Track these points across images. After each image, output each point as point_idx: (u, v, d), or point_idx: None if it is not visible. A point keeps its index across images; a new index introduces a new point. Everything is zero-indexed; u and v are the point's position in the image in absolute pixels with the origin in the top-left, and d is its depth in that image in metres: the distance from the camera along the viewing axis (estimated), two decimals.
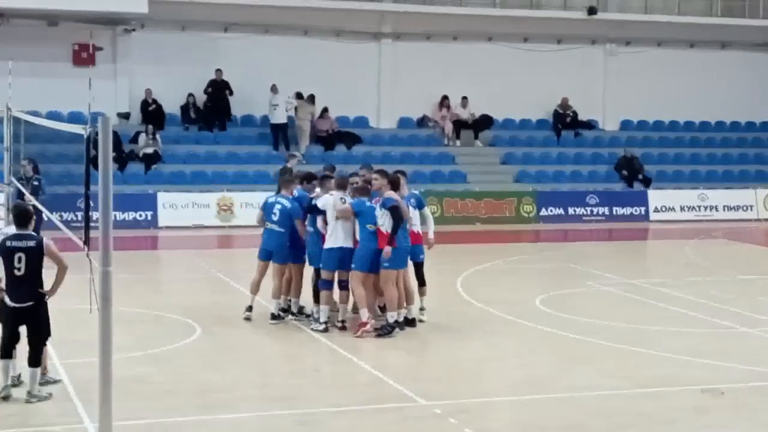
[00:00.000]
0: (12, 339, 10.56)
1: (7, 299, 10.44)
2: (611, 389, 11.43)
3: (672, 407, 10.80)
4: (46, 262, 10.60)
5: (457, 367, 12.44)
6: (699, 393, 11.22)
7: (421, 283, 14.73)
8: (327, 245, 13.83)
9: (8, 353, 10.59)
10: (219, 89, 29.42)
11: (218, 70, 29.25)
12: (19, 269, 10.40)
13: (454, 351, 13.21)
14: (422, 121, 32.05)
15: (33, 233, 10.73)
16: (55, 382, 11.12)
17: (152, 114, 28.98)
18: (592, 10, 32.33)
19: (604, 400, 11.06)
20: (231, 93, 29.49)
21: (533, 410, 10.71)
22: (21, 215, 10.73)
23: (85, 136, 10.81)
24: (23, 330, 10.60)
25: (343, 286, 14.10)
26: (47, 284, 10.59)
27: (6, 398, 10.45)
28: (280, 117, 29.25)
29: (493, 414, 10.66)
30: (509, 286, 18.03)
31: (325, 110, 30.16)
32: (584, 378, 11.98)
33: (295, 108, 29.44)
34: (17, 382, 10.72)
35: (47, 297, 10.57)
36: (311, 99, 29.63)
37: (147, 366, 12.15)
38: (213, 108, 29.54)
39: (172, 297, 16.58)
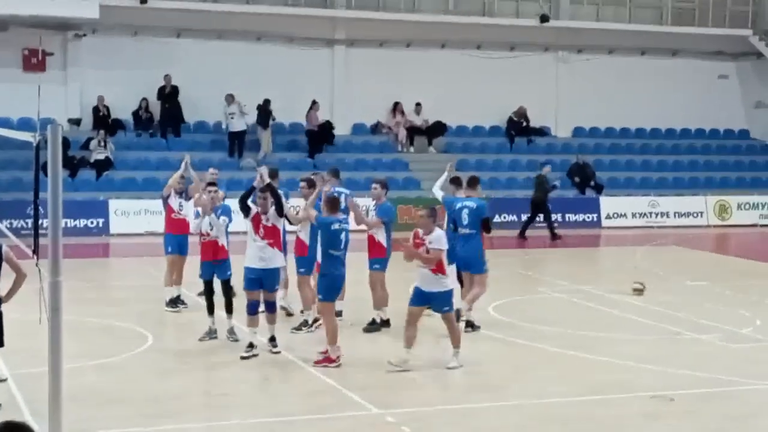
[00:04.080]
0: None
1: None
2: (562, 396, 11.51)
3: (621, 414, 10.91)
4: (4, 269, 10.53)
5: (410, 374, 12.45)
6: (648, 399, 11.34)
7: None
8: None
9: None
10: (171, 95, 29.27)
11: (167, 76, 29.08)
12: None
13: (416, 361, 13.22)
14: (376, 128, 32.10)
15: None
16: (1, 380, 11.07)
17: (103, 120, 28.76)
18: (544, 18, 32.58)
19: (554, 406, 11.14)
20: (175, 98, 29.20)
21: (485, 418, 10.75)
22: None
23: (35, 144, 10.72)
24: None
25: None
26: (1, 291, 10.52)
27: None
28: (237, 125, 29.15)
29: (445, 422, 10.69)
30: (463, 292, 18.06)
31: (314, 103, 30.20)
32: (535, 385, 12.06)
33: (262, 116, 29.33)
34: None
35: (2, 303, 10.50)
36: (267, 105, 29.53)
37: (97, 375, 12.05)
38: (166, 114, 29.38)
39: (124, 305, 16.44)
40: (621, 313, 16.49)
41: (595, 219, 30.09)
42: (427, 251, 12.37)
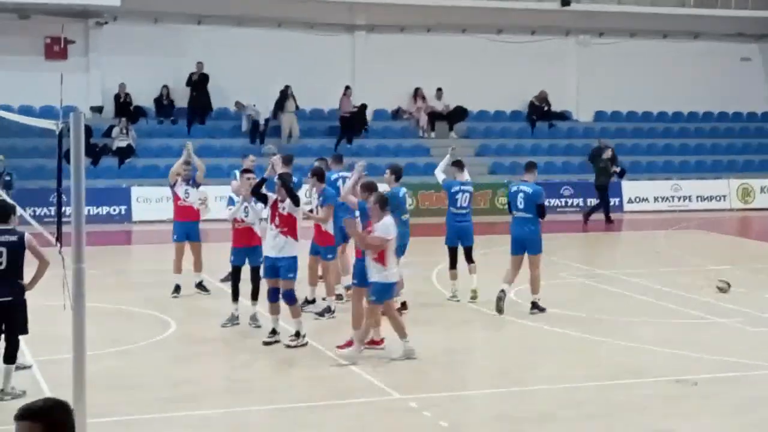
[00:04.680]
0: None
1: None
2: (582, 380, 11.53)
3: (641, 396, 10.91)
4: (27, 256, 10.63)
5: (431, 359, 12.48)
6: (669, 383, 11.34)
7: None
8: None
9: None
10: (200, 82, 29.33)
11: (199, 63, 29.15)
12: (0, 263, 10.40)
13: (427, 343, 13.24)
14: (397, 113, 32.09)
15: (14, 228, 10.71)
16: (26, 367, 11.16)
17: (125, 107, 28.87)
18: (565, 2, 32.40)
19: (574, 391, 11.15)
20: (205, 85, 29.38)
21: (506, 402, 10.79)
22: (2, 210, 10.73)
23: (57, 132, 10.79)
24: None
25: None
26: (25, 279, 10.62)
27: None
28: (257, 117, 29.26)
29: (466, 406, 10.73)
30: (483, 278, 18.07)
31: (347, 88, 30.34)
32: (555, 369, 12.08)
33: (279, 103, 29.41)
34: None
35: (26, 291, 10.61)
36: (289, 93, 29.58)
37: (119, 361, 12.15)
38: (195, 101, 29.42)
39: (146, 292, 16.53)
40: (642, 297, 16.46)
41: (617, 203, 29.98)
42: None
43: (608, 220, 27.21)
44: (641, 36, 33.88)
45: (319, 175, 14.71)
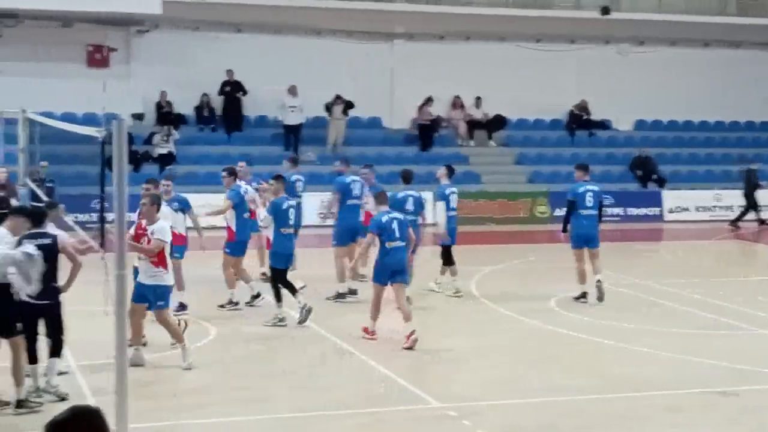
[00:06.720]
0: (32, 339, 10.60)
1: (24, 296, 10.44)
2: (616, 390, 11.43)
3: (679, 406, 10.82)
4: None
5: (470, 368, 12.44)
6: (704, 394, 11.29)
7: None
8: None
9: (34, 358, 10.67)
10: (233, 90, 29.51)
11: (229, 71, 29.32)
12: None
13: (465, 352, 13.23)
14: (435, 122, 32.03)
15: (48, 231, 10.81)
16: (62, 373, 11.30)
17: (166, 115, 29.07)
18: (605, 10, 32.23)
19: (618, 401, 11.08)
20: (245, 93, 29.59)
21: (539, 411, 10.73)
22: (36, 214, 10.86)
23: (100, 139, 10.90)
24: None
25: None
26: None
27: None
28: (294, 119, 29.31)
29: (500, 413, 10.67)
30: (524, 287, 18.04)
31: (429, 99, 30.53)
32: (588, 378, 11.99)
33: (329, 107, 29.56)
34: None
35: (62, 292, 10.72)
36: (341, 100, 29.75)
37: (158, 366, 12.19)
38: (228, 109, 29.62)
39: (184, 298, 16.56)
40: (681, 306, 16.34)
41: (657, 213, 29.77)
42: (149, 241, 12.01)
43: (762, 222, 28.48)
44: (682, 44, 33.63)
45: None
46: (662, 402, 10.99)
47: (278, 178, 15.19)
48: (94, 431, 4.08)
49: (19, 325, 10.40)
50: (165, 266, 12.05)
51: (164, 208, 13.55)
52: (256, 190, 16.53)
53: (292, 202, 15.08)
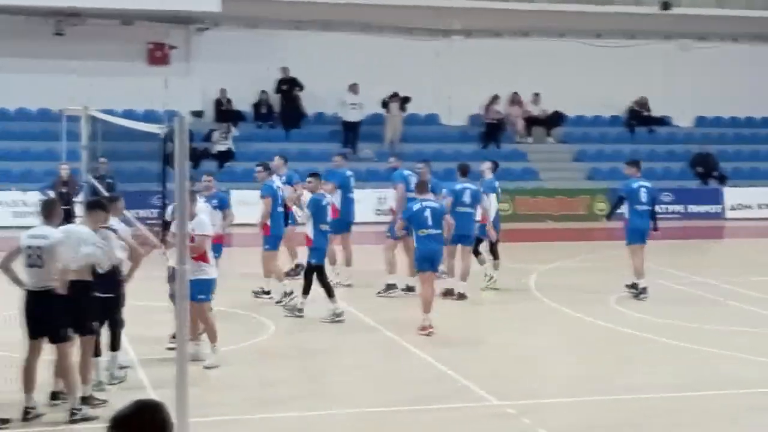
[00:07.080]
0: (97, 333, 10.71)
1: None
2: (672, 389, 11.32)
3: (735, 406, 10.69)
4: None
5: (527, 365, 12.40)
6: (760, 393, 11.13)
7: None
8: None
9: (98, 351, 10.80)
10: (289, 87, 29.62)
11: (284, 68, 29.43)
12: None
13: (523, 349, 13.19)
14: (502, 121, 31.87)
15: (112, 225, 10.89)
16: (124, 367, 11.42)
17: (226, 112, 29.27)
18: (665, 5, 31.91)
19: (662, 400, 10.99)
20: (301, 89, 29.68)
21: (596, 410, 10.65)
22: (99, 206, 10.94)
23: (162, 136, 11.00)
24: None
25: None
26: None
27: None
28: (354, 116, 29.37)
29: (558, 413, 10.60)
30: (582, 284, 17.92)
31: (495, 97, 30.57)
32: (643, 376, 11.88)
33: (386, 103, 29.59)
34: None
35: (125, 283, 10.84)
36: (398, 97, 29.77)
37: (218, 362, 12.28)
38: (286, 106, 29.75)
39: (246, 294, 16.67)
40: (742, 305, 16.13)
41: (718, 210, 29.39)
42: (192, 239, 11.38)
43: None
44: (743, 40, 33.16)
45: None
46: (746, 402, 10.87)
47: (315, 175, 15.15)
48: (158, 425, 4.09)
49: (95, 324, 10.48)
50: (206, 260, 11.94)
51: (201, 203, 13.47)
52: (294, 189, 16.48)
53: (330, 199, 15.32)
